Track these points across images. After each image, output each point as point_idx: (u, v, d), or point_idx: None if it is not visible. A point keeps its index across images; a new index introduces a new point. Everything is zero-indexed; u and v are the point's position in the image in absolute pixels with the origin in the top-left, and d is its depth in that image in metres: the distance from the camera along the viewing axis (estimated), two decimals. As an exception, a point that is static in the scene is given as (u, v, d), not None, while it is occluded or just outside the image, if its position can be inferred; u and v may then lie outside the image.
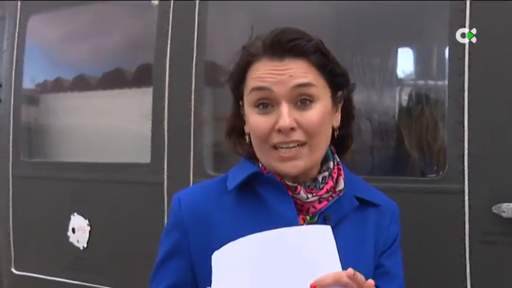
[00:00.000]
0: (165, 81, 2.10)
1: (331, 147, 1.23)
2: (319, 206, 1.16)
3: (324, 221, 1.14)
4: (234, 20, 2.13)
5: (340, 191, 1.17)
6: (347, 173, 1.22)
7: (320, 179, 1.17)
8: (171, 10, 2.10)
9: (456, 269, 1.62)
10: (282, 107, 1.10)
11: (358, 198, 1.20)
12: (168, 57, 2.10)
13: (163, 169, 2.10)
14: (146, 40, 2.20)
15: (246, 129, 1.19)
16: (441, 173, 1.70)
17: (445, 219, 1.65)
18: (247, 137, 1.19)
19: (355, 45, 1.95)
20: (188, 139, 2.05)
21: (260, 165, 1.19)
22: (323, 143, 1.16)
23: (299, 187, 1.14)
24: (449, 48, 1.68)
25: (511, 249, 1.59)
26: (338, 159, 1.22)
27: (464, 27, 1.63)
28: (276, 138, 1.12)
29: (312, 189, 1.16)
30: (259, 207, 1.15)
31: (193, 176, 2.05)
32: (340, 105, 1.20)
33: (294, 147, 1.12)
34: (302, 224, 1.14)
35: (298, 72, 1.11)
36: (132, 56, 2.38)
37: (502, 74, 1.61)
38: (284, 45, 1.11)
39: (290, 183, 1.15)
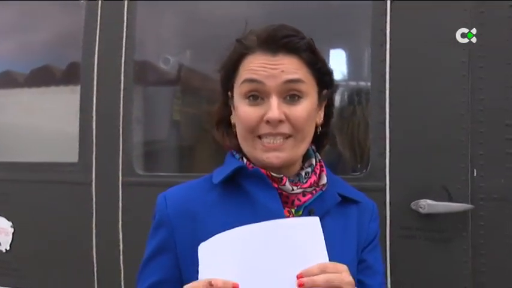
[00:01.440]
0: (93, 80, 2.06)
1: (312, 145, 1.26)
2: (303, 199, 1.18)
3: (308, 215, 1.16)
4: (163, 20, 2.12)
5: (324, 185, 1.20)
6: (328, 171, 1.25)
7: (303, 174, 1.20)
8: (99, 9, 2.07)
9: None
10: (272, 100, 1.13)
11: (339, 195, 1.22)
12: (96, 56, 2.06)
13: (91, 168, 2.06)
14: (75, 38, 2.15)
15: (233, 119, 1.21)
16: (364, 171, 1.76)
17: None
18: (234, 129, 1.21)
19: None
20: (117, 138, 2.02)
21: (245, 160, 1.20)
22: (307, 138, 1.19)
23: (284, 178, 1.16)
24: (371, 50, 1.74)
25: (427, 243, 1.66)
26: (320, 157, 1.26)
27: (386, 28, 1.69)
28: (263, 129, 1.14)
29: (296, 182, 1.19)
30: (245, 201, 1.16)
31: (122, 175, 2.02)
32: (324, 104, 1.24)
33: (280, 138, 1.14)
34: (287, 217, 1.15)
35: (290, 68, 1.14)
36: (60, 54, 2.32)
37: (421, 74, 1.68)
38: (278, 40, 1.14)
39: (275, 175, 1.16)
